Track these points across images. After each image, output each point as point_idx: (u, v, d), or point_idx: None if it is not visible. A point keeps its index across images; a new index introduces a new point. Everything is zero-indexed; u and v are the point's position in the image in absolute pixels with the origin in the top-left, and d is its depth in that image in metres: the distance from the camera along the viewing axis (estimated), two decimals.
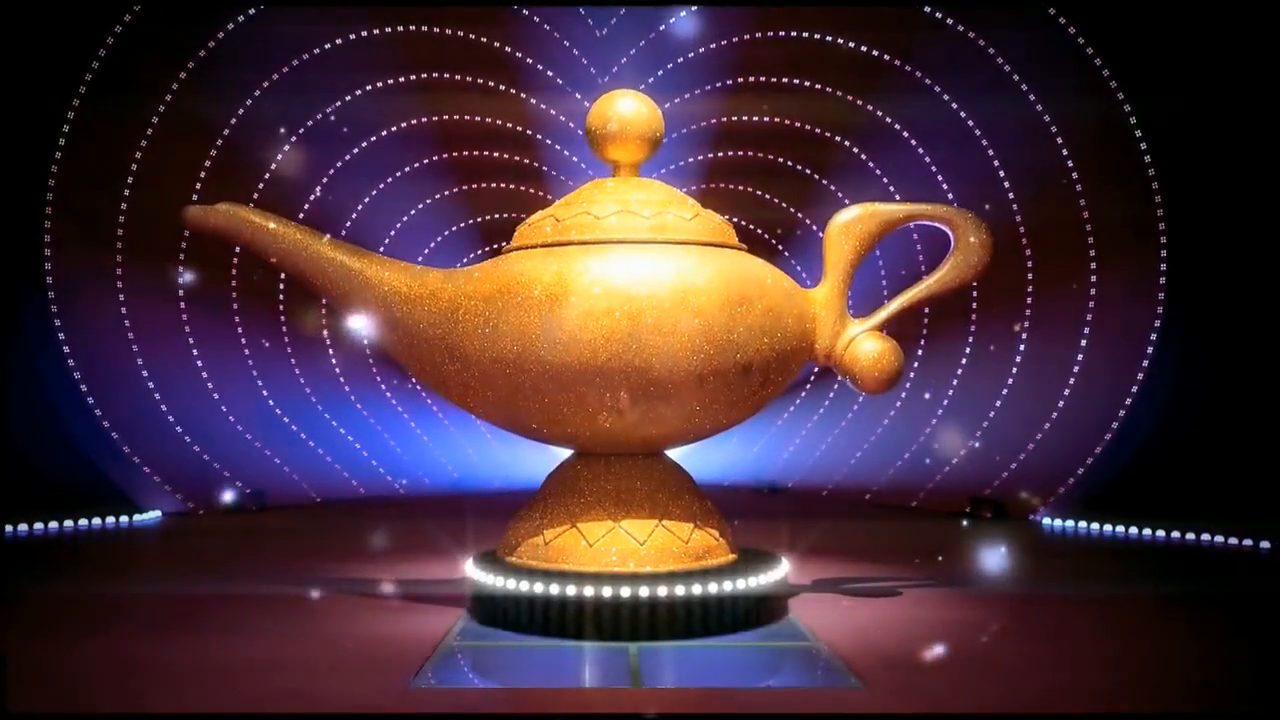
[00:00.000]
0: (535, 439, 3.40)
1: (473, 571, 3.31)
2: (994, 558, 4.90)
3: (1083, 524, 6.01)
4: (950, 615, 3.42)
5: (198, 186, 6.75)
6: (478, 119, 7.96)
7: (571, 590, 3.04)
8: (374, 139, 7.76)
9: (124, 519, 5.74)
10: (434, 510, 6.48)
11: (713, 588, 3.09)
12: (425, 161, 8.08)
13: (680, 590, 3.04)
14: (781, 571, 3.37)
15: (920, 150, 7.38)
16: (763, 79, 7.56)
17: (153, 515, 5.99)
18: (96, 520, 5.63)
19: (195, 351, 6.81)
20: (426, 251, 8.63)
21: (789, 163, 7.94)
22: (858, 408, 8.15)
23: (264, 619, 3.32)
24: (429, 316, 3.17)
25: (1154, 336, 6.19)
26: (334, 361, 7.96)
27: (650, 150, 3.45)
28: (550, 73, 7.67)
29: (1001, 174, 6.91)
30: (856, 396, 8.19)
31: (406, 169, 8.10)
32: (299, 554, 4.72)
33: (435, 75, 7.53)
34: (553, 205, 3.38)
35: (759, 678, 2.85)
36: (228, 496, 6.50)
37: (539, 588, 3.07)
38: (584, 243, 3.12)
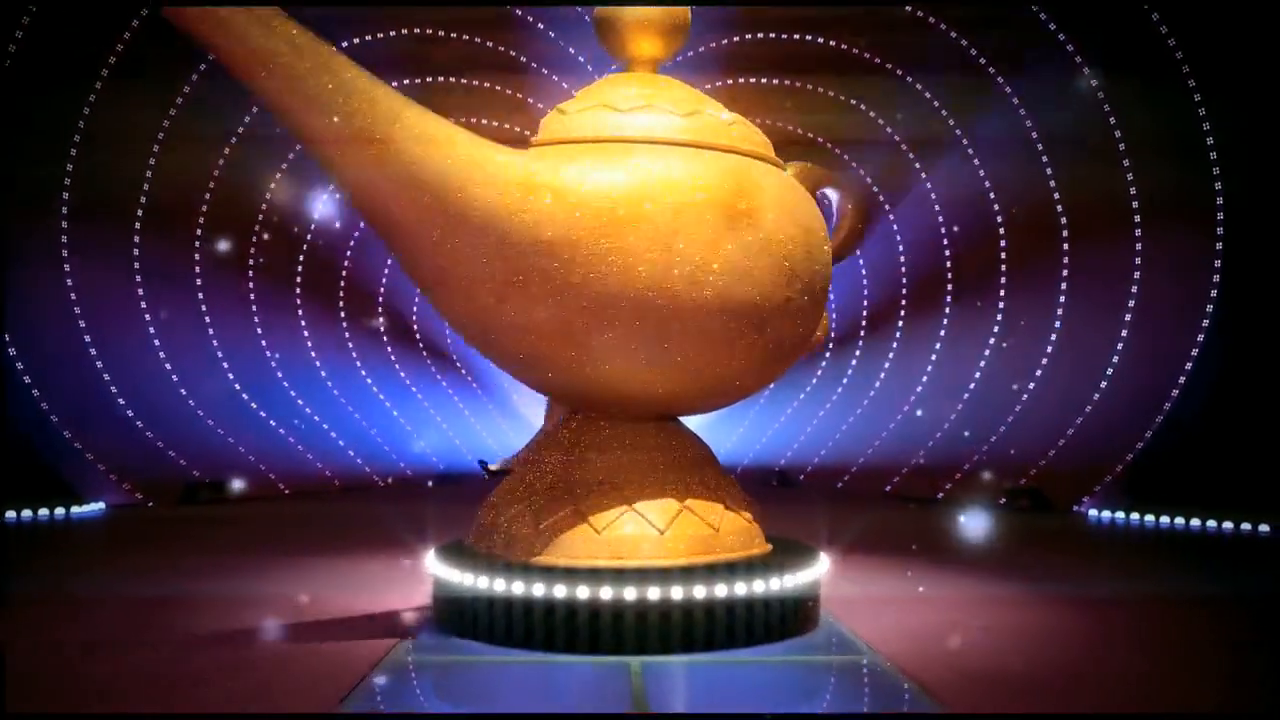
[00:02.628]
0: (595, 393, 2.61)
1: (436, 566, 2.67)
2: (1044, 552, 4.30)
3: (1134, 515, 5.41)
4: (1015, 619, 2.83)
5: (154, 150, 6.14)
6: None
7: (583, 592, 2.39)
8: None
9: (61, 511, 5.10)
10: (412, 501, 5.87)
11: (758, 586, 2.45)
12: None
13: (721, 590, 2.41)
14: (822, 566, 2.74)
15: (947, 117, 6.77)
16: (771, 35, 6.97)
17: (96, 507, 5.36)
18: (28, 512, 4.97)
19: (151, 329, 6.16)
20: None
21: (797, 128, 7.32)
22: (874, 393, 7.54)
23: (186, 623, 2.70)
24: (521, 215, 2.27)
25: (1210, 309, 5.58)
26: (308, 342, 7.33)
27: (679, 43, 2.83)
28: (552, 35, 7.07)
29: (1034, 135, 6.29)
30: (873, 381, 7.59)
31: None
32: (246, 549, 4.10)
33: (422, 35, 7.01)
34: (602, 94, 2.65)
35: (814, 700, 2.21)
36: (238, 487, 5.94)
37: (539, 589, 2.42)
38: (716, 148, 2.55)
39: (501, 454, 2.86)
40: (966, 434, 6.55)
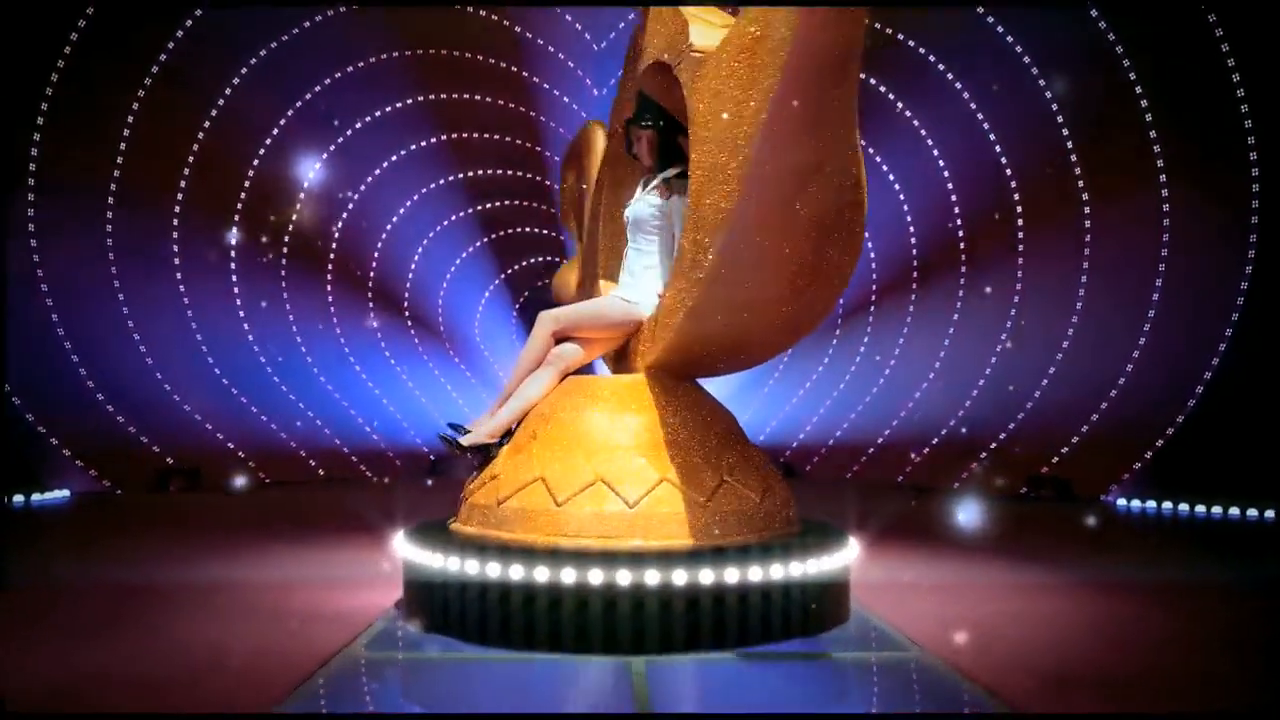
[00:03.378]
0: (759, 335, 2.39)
1: (405, 548, 2.34)
2: (1080, 542, 3.99)
3: (1165, 505, 5.08)
4: (1058, 609, 2.53)
5: (129, 120, 5.80)
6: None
7: (541, 573, 2.06)
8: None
9: (20, 498, 4.78)
10: (402, 493, 5.55)
11: (755, 573, 2.11)
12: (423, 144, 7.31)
13: (707, 576, 2.07)
14: (851, 552, 2.40)
15: (954, 81, 6.43)
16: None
17: (60, 495, 5.03)
18: None
19: (125, 308, 5.82)
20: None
21: None
22: (884, 380, 7.21)
23: (137, 616, 2.42)
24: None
25: (1244, 285, 5.23)
26: (293, 326, 7.00)
27: None
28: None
29: (1048, 92, 5.92)
30: (883, 369, 7.26)
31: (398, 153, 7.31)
32: (210, 538, 3.79)
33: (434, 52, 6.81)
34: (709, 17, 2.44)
35: (851, 701, 1.88)
36: (216, 478, 5.62)
37: (493, 569, 2.09)
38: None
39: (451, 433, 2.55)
40: (965, 428, 6.24)
